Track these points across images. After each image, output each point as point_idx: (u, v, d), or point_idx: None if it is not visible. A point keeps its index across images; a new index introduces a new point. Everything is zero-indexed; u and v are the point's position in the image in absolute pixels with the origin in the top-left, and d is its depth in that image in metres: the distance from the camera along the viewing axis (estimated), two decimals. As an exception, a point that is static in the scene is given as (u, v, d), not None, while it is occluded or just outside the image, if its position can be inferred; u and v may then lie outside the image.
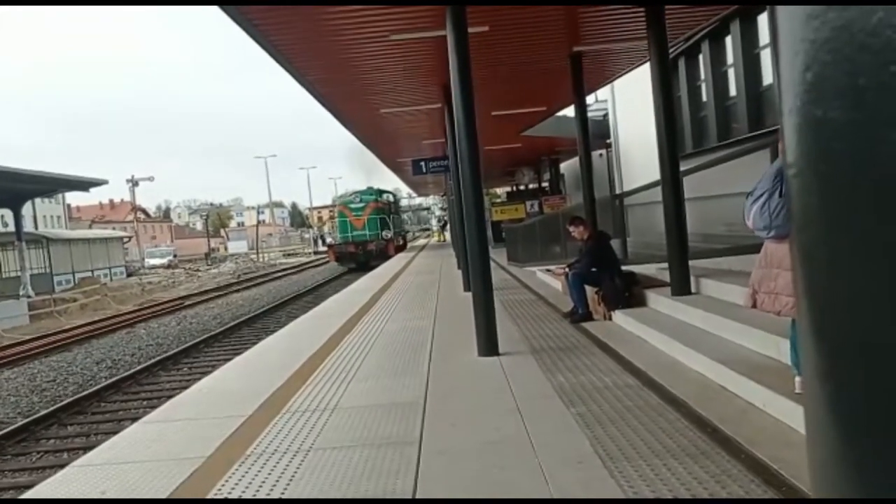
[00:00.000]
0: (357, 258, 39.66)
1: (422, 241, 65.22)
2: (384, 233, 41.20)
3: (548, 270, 14.52)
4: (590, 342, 7.77)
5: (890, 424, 0.41)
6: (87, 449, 6.67)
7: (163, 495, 4.17)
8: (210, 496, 4.10)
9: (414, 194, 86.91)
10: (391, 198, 49.92)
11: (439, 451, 4.58)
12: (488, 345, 7.46)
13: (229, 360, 9.29)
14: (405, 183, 54.12)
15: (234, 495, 4.09)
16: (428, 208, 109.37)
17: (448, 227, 67.94)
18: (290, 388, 6.68)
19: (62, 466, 5.36)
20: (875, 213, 0.39)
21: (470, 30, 7.97)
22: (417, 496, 3.88)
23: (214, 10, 8.48)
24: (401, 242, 48.24)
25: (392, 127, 20.33)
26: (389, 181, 54.58)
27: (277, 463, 4.60)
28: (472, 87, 7.81)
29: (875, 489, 0.42)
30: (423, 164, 19.52)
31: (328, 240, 44.87)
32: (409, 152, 24.97)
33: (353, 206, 42.73)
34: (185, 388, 7.45)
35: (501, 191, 51.51)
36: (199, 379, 7.65)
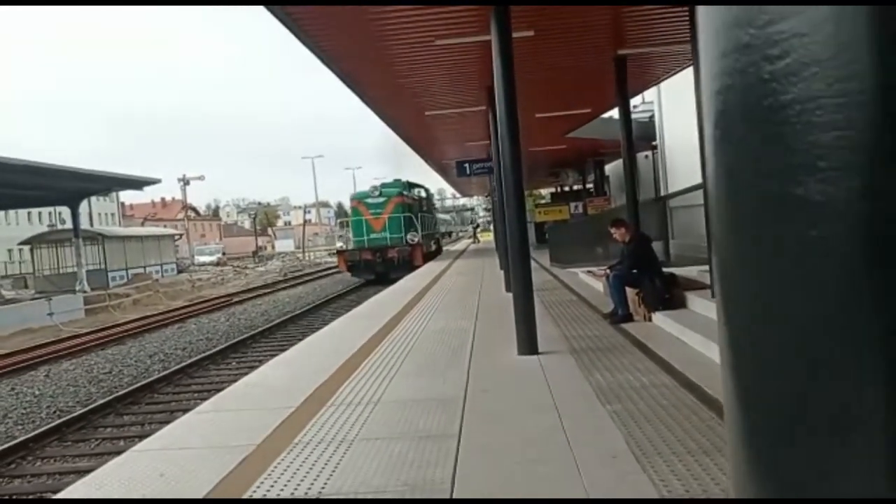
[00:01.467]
0: (374, 267, 30.45)
1: (464, 243, 59.28)
2: (410, 235, 31.32)
3: (589, 272, 14.56)
4: (629, 343, 7.85)
5: (790, 429, 0.53)
6: (142, 437, 7.00)
7: (216, 479, 4.41)
8: (258, 482, 4.33)
9: (458, 195, 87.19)
10: (422, 193, 39.78)
11: (477, 444, 4.74)
12: (528, 344, 7.60)
13: (276, 355, 9.59)
14: (449, 184, 54.24)
15: (281, 482, 4.31)
16: (472, 209, 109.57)
17: (480, 228, 67.82)
18: (334, 382, 6.91)
19: (119, 453, 5.66)
20: (774, 216, 0.51)
21: (514, 34, 8.12)
22: (455, 486, 4.05)
23: (267, 17, 8.78)
24: (433, 248, 37.93)
25: (437, 129, 20.54)
26: (434, 182, 52.02)
27: (323, 452, 4.81)
28: (516, 90, 7.95)
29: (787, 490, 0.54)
30: (466, 165, 19.71)
31: (338, 244, 33.99)
32: (453, 153, 25.18)
33: (369, 201, 32.39)
34: (234, 381, 7.75)
35: (546, 192, 50.86)
36: (247, 373, 7.94)
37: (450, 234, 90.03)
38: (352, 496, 4.01)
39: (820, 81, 0.48)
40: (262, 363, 9.51)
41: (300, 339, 11.48)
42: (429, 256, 33.07)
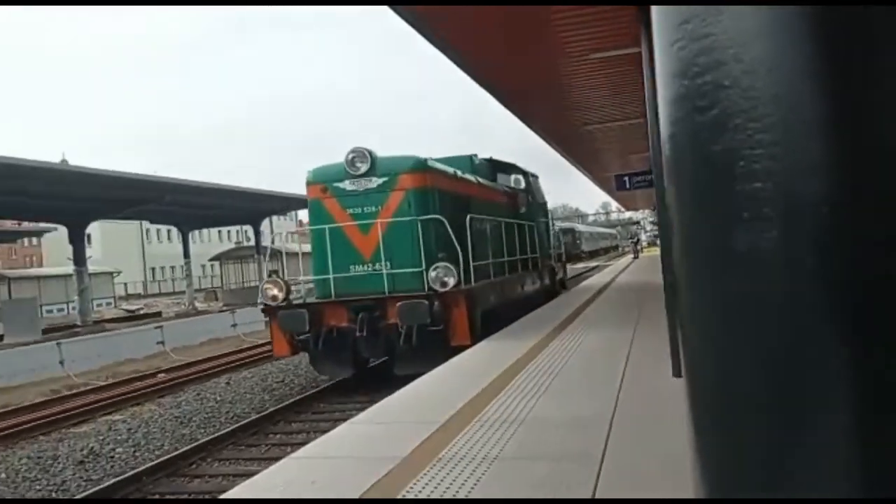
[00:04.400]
0: (352, 347, 11.62)
1: (625, 260, 47.85)
2: (439, 272, 11.21)
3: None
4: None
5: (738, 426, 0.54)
6: (304, 444, 7.43)
7: (363, 488, 4.62)
8: (401, 494, 4.48)
9: (622, 209, 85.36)
10: (518, 180, 18.47)
11: (620, 468, 4.63)
12: (680, 365, 7.27)
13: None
14: (613, 198, 53.22)
15: (423, 495, 4.43)
16: (638, 222, 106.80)
17: (641, 243, 64.88)
18: (482, 399, 7.00)
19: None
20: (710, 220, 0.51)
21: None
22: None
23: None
24: (534, 284, 17.70)
25: (596, 142, 20.30)
26: (593, 194, 48.10)
27: (464, 469, 4.89)
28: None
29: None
30: (626, 178, 19.28)
31: (269, 290, 12.43)
32: (613, 167, 24.73)
33: (348, 187, 11.99)
34: (390, 394, 8.03)
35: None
36: (402, 387, 8.22)
37: (616, 247, 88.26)
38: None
39: (741, 133, 0.48)
40: (416, 377, 9.78)
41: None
42: (518, 306, 14.70)
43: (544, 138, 19.61)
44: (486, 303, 12.53)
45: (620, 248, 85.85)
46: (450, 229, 11.39)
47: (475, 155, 16.63)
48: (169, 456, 9.10)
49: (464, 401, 6.81)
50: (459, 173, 13.84)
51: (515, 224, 16.09)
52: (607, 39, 10.17)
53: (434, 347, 10.70)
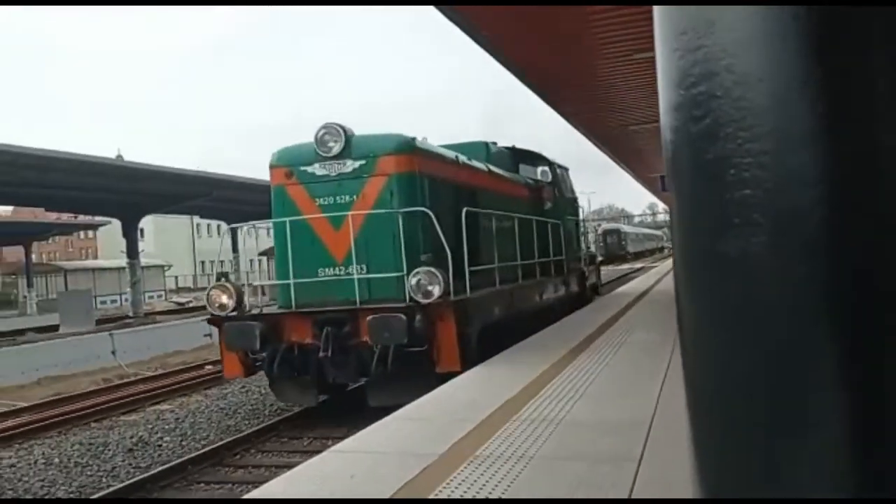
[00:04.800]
0: (315, 368, 9.34)
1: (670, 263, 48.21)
2: (422, 277, 8.89)
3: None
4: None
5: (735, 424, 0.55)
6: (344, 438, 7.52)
7: (399, 483, 4.67)
8: (437, 490, 4.51)
9: (669, 210, 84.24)
10: (545, 173, 16.14)
11: (658, 470, 4.59)
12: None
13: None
14: (661, 200, 52.56)
15: (459, 492, 4.46)
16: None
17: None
18: (520, 399, 7.00)
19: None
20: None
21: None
22: None
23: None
24: (557, 291, 15.09)
25: (641, 143, 20.09)
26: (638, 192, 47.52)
27: (501, 467, 4.90)
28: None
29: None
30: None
31: (219, 299, 9.84)
32: (658, 167, 24.43)
33: (318, 170, 9.66)
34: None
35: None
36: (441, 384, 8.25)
37: (661, 249, 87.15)
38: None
39: (732, 142, 0.49)
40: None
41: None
42: (523, 323, 11.66)
43: (589, 138, 19.50)
44: (487, 316, 10.29)
45: (666, 250, 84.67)
46: (438, 225, 9.11)
47: (493, 142, 14.44)
48: (214, 446, 9.31)
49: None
50: (463, 159, 11.47)
51: (535, 221, 13.57)
52: (644, 41, 10.08)
53: (416, 373, 8.71)
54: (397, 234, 9.35)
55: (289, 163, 9.96)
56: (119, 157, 35.17)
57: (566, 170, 17.26)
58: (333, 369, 9.29)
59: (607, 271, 46.47)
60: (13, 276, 55.98)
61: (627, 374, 8.04)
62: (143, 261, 38.48)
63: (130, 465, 9.10)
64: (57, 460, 9.54)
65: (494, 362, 9.14)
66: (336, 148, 9.54)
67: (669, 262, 47.14)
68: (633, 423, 5.76)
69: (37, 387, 15.94)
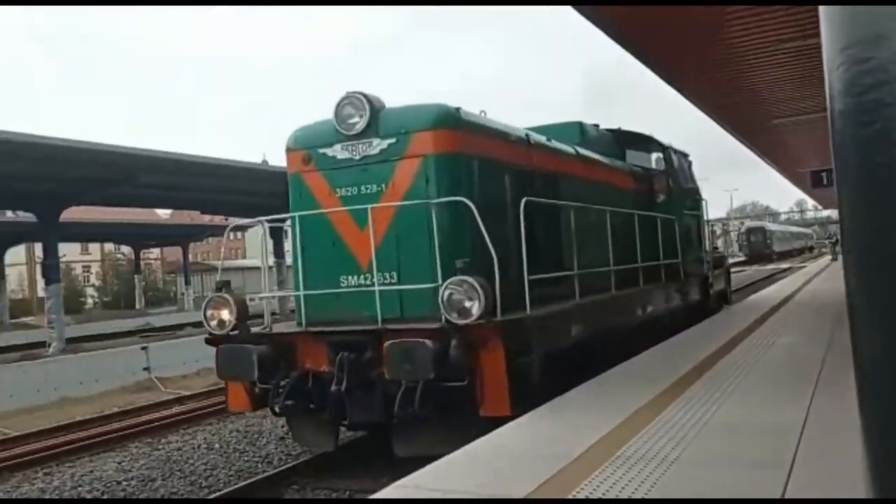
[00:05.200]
0: (331, 405, 7.21)
1: (822, 262, 41.39)
2: (455, 291, 6.67)
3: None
4: None
5: None
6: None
7: (534, 485, 4.66)
8: (575, 491, 4.52)
9: (819, 207, 79.21)
10: (658, 160, 13.56)
11: (808, 478, 4.40)
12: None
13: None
14: (808, 195, 49.45)
15: (597, 494, 4.44)
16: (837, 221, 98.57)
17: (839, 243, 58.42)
18: (665, 398, 6.84)
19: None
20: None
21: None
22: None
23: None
24: (669, 302, 12.33)
25: (786, 136, 19.06)
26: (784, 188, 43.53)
27: (641, 470, 4.83)
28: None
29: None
30: (823, 175, 17.91)
31: (218, 315, 7.81)
32: (807, 163, 23.08)
33: (339, 154, 7.68)
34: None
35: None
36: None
37: (811, 248, 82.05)
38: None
39: (901, 147, 0.53)
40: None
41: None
42: (617, 344, 9.23)
43: (729, 131, 18.73)
44: (557, 339, 7.81)
45: (817, 250, 79.44)
46: (480, 220, 6.78)
47: (595, 124, 12.14)
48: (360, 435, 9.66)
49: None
50: (537, 138, 9.04)
51: (638, 217, 10.87)
52: (798, 29, 9.58)
53: (453, 416, 6.75)
54: (431, 231, 7.20)
55: (306, 145, 8.02)
56: (264, 161, 37.22)
57: (686, 156, 14.37)
58: (352, 407, 7.17)
59: (751, 273, 43.84)
60: (173, 275, 60.92)
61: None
62: (289, 261, 40.44)
63: (283, 452, 9.66)
64: (217, 445, 10.30)
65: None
66: (360, 124, 7.52)
67: (820, 262, 44.04)
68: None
69: (196, 377, 17.22)
